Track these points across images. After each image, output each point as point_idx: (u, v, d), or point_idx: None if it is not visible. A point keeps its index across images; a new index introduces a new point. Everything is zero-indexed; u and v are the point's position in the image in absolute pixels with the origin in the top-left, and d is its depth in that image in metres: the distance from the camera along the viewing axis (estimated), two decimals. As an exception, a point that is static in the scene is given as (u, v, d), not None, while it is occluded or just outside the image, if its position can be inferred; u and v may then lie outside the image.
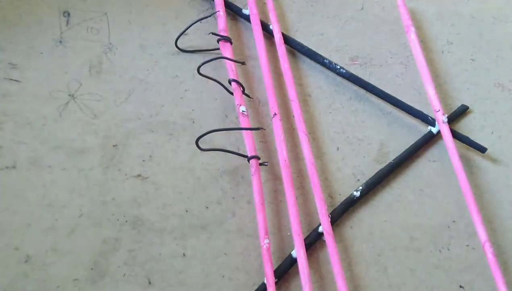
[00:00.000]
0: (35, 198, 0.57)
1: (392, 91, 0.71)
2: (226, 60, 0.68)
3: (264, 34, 0.73)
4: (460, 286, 0.58)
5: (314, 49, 0.73)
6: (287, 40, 0.73)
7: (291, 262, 0.56)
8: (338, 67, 0.71)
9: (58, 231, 0.56)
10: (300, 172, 0.64)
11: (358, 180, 0.64)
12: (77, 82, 0.66)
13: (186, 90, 0.68)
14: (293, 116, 0.66)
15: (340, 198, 0.62)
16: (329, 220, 0.58)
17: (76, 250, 0.55)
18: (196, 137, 0.59)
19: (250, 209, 0.60)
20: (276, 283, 0.53)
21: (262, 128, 0.65)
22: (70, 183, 0.59)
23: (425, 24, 0.80)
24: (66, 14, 0.72)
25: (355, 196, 0.62)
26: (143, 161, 0.62)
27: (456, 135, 0.67)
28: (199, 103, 0.67)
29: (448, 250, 0.60)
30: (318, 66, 0.73)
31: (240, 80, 0.66)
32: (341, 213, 0.61)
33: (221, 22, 0.72)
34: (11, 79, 0.65)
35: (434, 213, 0.63)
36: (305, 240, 0.57)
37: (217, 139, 0.64)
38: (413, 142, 0.67)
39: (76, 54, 0.68)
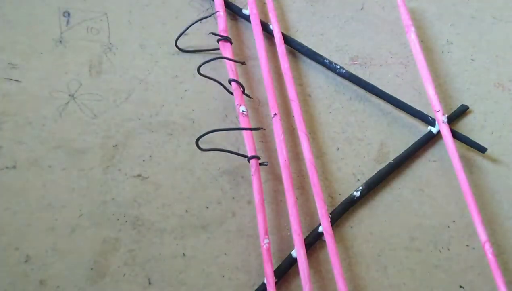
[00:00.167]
0: (35, 198, 0.57)
1: (392, 91, 0.71)
2: (226, 60, 0.68)
3: (264, 34, 0.73)
4: (460, 286, 0.58)
5: (314, 49, 0.73)
6: (287, 40, 0.73)
7: (291, 262, 0.56)
8: (338, 67, 0.71)
9: (58, 231, 0.56)
10: (300, 172, 0.64)
11: (358, 180, 0.64)
12: (77, 82, 0.66)
13: (186, 90, 0.68)
14: (293, 116, 0.66)
15: (340, 198, 0.62)
16: (329, 220, 0.58)
17: (76, 250, 0.55)
18: (196, 137, 0.59)
19: (250, 209, 0.60)
20: (276, 283, 0.53)
21: (262, 128, 0.65)
22: (70, 183, 0.59)
23: (425, 24, 0.80)
24: (66, 14, 0.72)
25: (355, 196, 0.62)
26: (143, 161, 0.62)
27: (456, 135, 0.67)
28: (199, 103, 0.67)
29: (448, 250, 0.60)
30: (318, 66, 0.73)
31: (240, 80, 0.66)
32: (341, 213, 0.61)
33: (221, 22, 0.72)
34: (11, 79, 0.65)
35: (434, 213, 0.63)
36: (305, 240, 0.57)
37: (217, 139, 0.64)
38: (413, 142, 0.67)
39: (76, 54, 0.68)
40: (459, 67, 0.76)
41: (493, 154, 0.68)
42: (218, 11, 0.73)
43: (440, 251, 0.60)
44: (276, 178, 0.63)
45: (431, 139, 0.68)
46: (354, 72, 0.71)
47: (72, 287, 0.53)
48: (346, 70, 0.71)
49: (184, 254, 0.56)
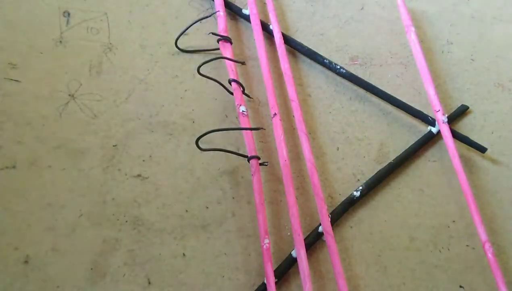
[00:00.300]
0: (35, 198, 0.57)
1: (392, 91, 0.71)
2: (226, 60, 0.68)
3: (264, 34, 0.73)
4: (460, 286, 0.58)
5: (314, 49, 0.73)
6: (287, 40, 0.73)
7: (291, 262, 0.56)
8: (338, 67, 0.71)
9: (58, 231, 0.56)
10: (300, 172, 0.64)
11: (358, 180, 0.64)
12: (77, 82, 0.66)
13: (186, 90, 0.68)
14: (293, 116, 0.66)
15: (340, 198, 0.62)
16: (329, 220, 0.58)
17: (76, 250, 0.55)
18: (196, 137, 0.59)
19: (250, 209, 0.60)
20: (276, 283, 0.53)
21: (262, 128, 0.65)
22: (70, 183, 0.59)
23: (425, 24, 0.80)
24: (66, 14, 0.72)
25: (355, 196, 0.62)
26: (143, 161, 0.62)
27: (456, 135, 0.67)
28: (199, 103, 0.67)
29: (448, 250, 0.60)
30: (318, 66, 0.73)
31: (240, 80, 0.66)
32: (341, 213, 0.61)
33: (221, 22, 0.72)
34: (11, 79, 0.65)
35: (434, 213, 0.63)
36: (305, 240, 0.57)
37: (217, 139, 0.64)
38: (413, 142, 0.67)
39: (76, 54, 0.68)
40: (459, 67, 0.76)
41: (493, 154, 0.68)
42: (218, 11, 0.73)
43: (440, 251, 0.60)
44: (276, 178, 0.63)
45: (431, 139, 0.68)
46: (354, 72, 0.71)
47: (72, 287, 0.53)
48: (346, 70, 0.71)
49: (184, 254, 0.56)
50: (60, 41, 0.69)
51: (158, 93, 0.67)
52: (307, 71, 0.73)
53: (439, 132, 0.67)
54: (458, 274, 0.59)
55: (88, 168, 0.60)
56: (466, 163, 0.67)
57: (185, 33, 0.71)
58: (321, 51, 0.73)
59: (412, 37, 0.73)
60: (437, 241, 0.61)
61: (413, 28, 0.74)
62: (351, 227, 0.61)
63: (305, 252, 0.55)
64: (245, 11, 0.75)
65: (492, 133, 0.70)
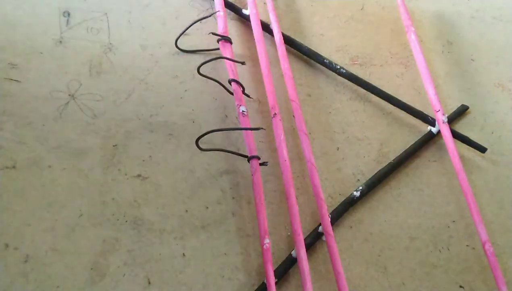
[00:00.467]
0: (35, 198, 0.57)
1: (392, 91, 0.71)
2: (226, 60, 0.68)
3: (264, 34, 0.73)
4: (460, 286, 0.58)
5: (314, 49, 0.73)
6: (287, 40, 0.73)
7: (291, 262, 0.56)
8: (338, 67, 0.71)
9: (58, 231, 0.56)
10: (300, 172, 0.64)
11: (358, 180, 0.64)
12: (77, 82, 0.66)
13: (186, 90, 0.68)
14: (293, 116, 0.66)
15: (340, 198, 0.62)
16: (329, 220, 0.58)
17: (76, 250, 0.55)
18: (196, 137, 0.59)
19: (250, 209, 0.60)
20: (276, 283, 0.53)
21: (262, 128, 0.65)
22: (70, 183, 0.59)
23: (425, 24, 0.80)
24: (66, 14, 0.72)
25: (355, 196, 0.62)
26: (143, 161, 0.62)
27: (456, 135, 0.67)
28: (199, 103, 0.67)
29: (448, 250, 0.60)
30: (318, 66, 0.73)
31: (240, 80, 0.66)
32: (341, 213, 0.61)
33: (221, 22, 0.72)
34: (11, 79, 0.65)
35: (434, 213, 0.63)
36: (305, 240, 0.57)
37: (217, 139, 0.64)
38: (413, 142, 0.67)
39: (76, 54, 0.68)
40: (459, 67, 0.76)
41: (493, 154, 0.68)
42: (218, 11, 0.73)
43: (440, 251, 0.60)
44: (276, 178, 0.63)
45: (431, 139, 0.68)
46: (354, 72, 0.71)
47: (72, 287, 0.53)
48: (346, 70, 0.71)
49: (184, 254, 0.56)
50: (60, 41, 0.69)
51: (158, 93, 0.67)
52: (307, 71, 0.73)
53: (439, 132, 0.67)
54: (458, 274, 0.59)
55: (88, 168, 0.60)
56: (466, 163, 0.67)
57: (185, 33, 0.71)
58: (321, 51, 0.73)
59: (412, 37, 0.73)
60: (437, 241, 0.61)
61: (413, 28, 0.74)
62: (351, 227, 0.61)
63: (305, 252, 0.55)
64: (245, 11, 0.75)
65: (492, 133, 0.70)
